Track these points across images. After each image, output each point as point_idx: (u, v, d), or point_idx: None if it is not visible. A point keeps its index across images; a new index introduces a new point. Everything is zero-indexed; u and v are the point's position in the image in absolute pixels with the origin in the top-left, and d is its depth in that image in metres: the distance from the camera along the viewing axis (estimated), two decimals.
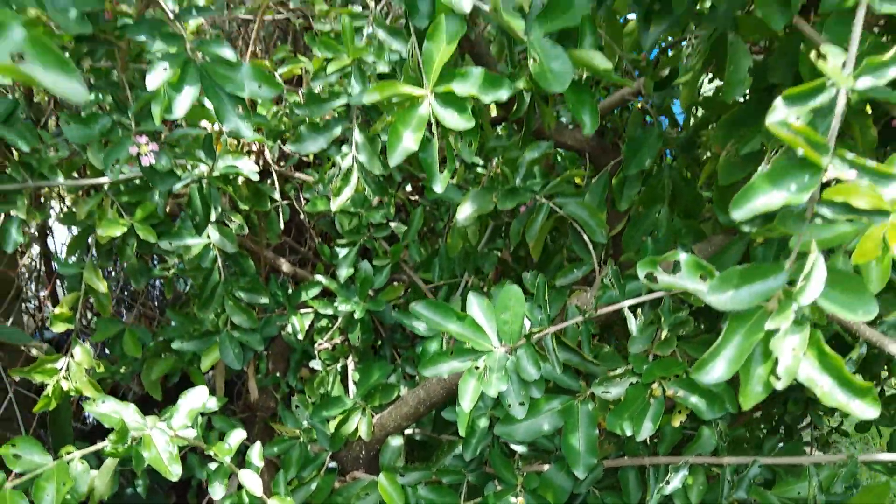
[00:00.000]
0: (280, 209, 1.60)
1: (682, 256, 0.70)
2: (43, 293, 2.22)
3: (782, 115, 0.53)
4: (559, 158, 1.68)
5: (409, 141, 0.81)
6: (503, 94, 0.80)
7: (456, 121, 0.80)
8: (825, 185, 0.54)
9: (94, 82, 1.16)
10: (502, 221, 1.57)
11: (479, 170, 1.58)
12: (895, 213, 0.55)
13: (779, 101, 0.54)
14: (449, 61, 0.80)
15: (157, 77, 0.95)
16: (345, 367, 1.61)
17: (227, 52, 0.99)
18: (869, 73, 0.55)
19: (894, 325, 0.96)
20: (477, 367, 0.96)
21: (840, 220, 0.54)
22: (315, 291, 1.59)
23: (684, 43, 1.36)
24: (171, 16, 1.02)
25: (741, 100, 1.05)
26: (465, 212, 1.31)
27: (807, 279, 0.57)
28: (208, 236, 1.36)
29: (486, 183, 1.52)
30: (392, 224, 1.59)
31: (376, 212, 1.53)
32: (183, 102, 0.96)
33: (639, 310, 1.08)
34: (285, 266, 1.75)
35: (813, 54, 0.54)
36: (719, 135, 1.00)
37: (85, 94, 0.49)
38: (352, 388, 1.57)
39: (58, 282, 2.19)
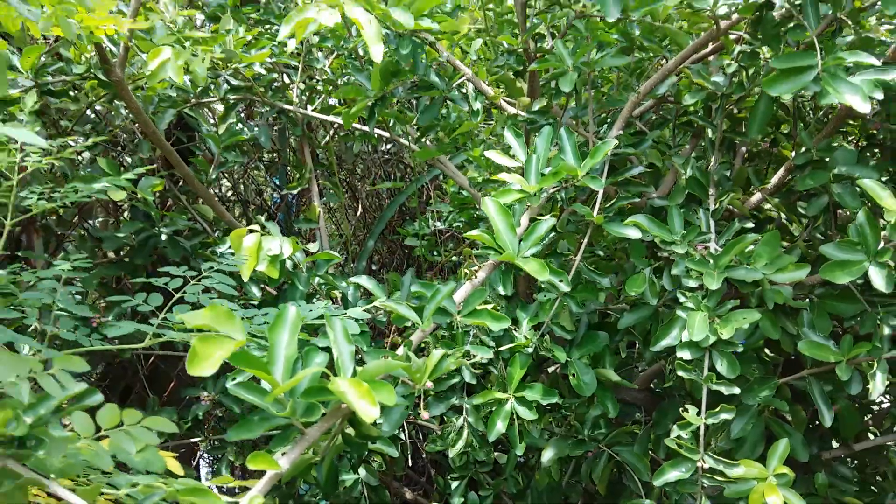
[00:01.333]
0: (406, 448, 2.14)
1: None
2: None
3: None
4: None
5: (500, 426, 1.36)
6: (554, 399, 1.34)
7: (527, 414, 1.34)
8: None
9: None
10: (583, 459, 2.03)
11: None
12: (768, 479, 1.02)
13: None
14: (523, 379, 1.35)
15: None
16: None
17: None
18: None
19: None
20: None
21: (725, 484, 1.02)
22: None
23: None
24: None
25: None
26: (548, 455, 1.79)
27: None
28: (358, 472, 1.90)
29: (563, 431, 2.01)
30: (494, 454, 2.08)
31: (481, 451, 2.04)
32: None
33: None
34: (408, 494, 2.25)
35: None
36: None
37: None
38: None
39: None
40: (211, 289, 0.95)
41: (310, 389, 0.71)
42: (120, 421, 0.67)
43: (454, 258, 2.63)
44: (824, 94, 1.03)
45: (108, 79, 1.36)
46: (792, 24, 1.12)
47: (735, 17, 1.16)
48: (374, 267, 3.34)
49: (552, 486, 2.09)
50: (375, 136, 1.96)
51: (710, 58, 1.38)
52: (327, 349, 0.79)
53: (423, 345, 1.33)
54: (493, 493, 2.09)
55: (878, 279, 1.08)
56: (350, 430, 0.76)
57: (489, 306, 1.07)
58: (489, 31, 1.59)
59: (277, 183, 3.24)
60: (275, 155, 2.94)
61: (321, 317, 0.90)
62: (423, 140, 1.83)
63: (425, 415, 1.08)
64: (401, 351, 0.91)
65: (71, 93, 1.56)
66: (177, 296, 0.91)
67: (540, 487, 2.06)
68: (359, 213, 3.13)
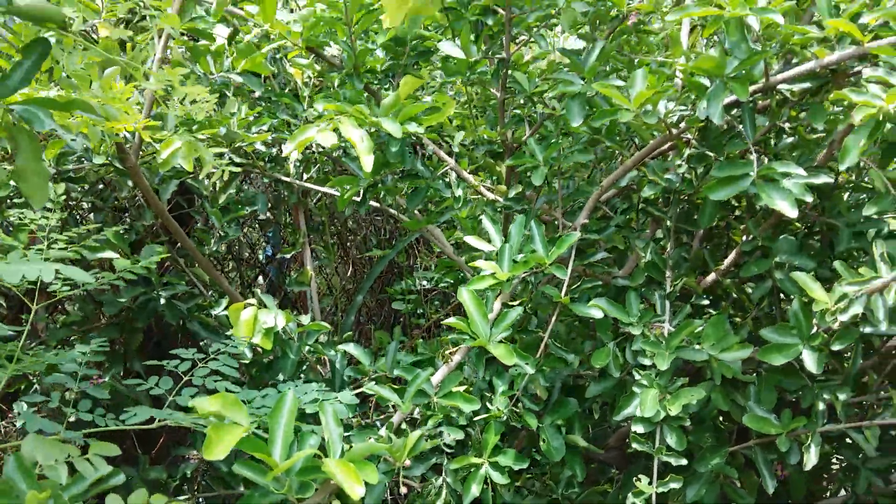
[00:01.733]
0: None
1: None
2: None
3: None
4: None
5: (475, 489, 1.46)
6: (525, 464, 1.45)
7: (500, 479, 1.45)
8: None
9: None
10: None
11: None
12: None
13: None
14: (496, 445, 1.47)
15: None
16: None
17: None
18: None
19: None
20: None
21: None
22: None
23: None
24: None
25: None
26: None
27: None
28: None
29: (539, 490, 2.11)
30: None
31: None
32: None
33: None
34: None
35: None
36: None
37: None
38: None
39: None
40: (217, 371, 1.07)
41: (304, 469, 0.83)
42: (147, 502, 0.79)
43: (439, 315, 2.75)
44: (759, 199, 1.18)
45: (123, 166, 1.50)
46: (731, 136, 1.28)
47: (684, 124, 1.32)
48: (361, 319, 3.46)
49: None
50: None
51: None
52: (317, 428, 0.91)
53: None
54: None
55: (810, 362, 1.21)
56: (337, 503, 0.87)
57: (462, 388, 1.19)
58: (472, 121, 1.74)
59: (270, 237, 3.36)
60: (269, 214, 3.07)
61: (314, 400, 1.01)
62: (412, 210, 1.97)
63: (404, 490, 1.19)
64: (383, 431, 1.03)
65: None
66: (185, 378, 1.03)
67: None
68: (349, 272, 3.26)
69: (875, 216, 1.26)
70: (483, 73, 1.60)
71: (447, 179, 1.61)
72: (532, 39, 1.54)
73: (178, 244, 2.09)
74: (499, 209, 1.59)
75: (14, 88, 0.93)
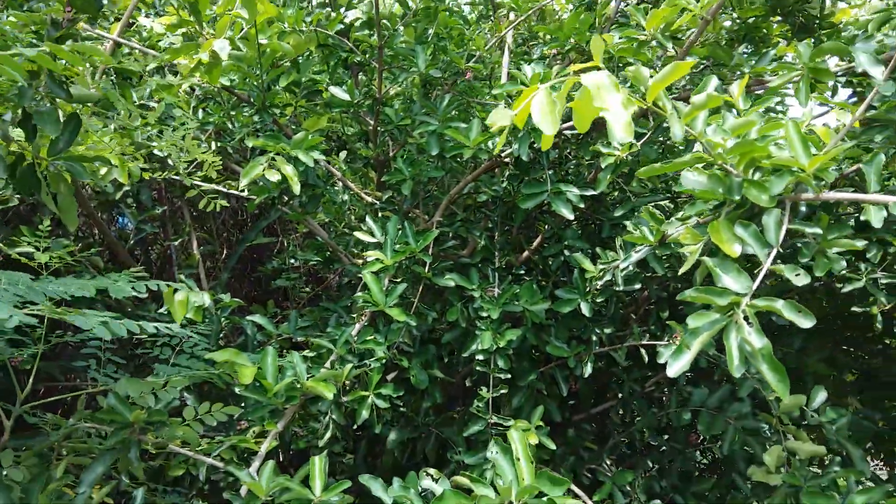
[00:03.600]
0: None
1: None
2: None
3: None
4: None
5: (365, 414, 2.03)
6: (400, 393, 2.05)
7: (382, 404, 2.03)
8: None
9: None
10: (417, 441, 2.75)
11: None
12: None
13: None
14: (379, 380, 2.04)
15: None
16: None
17: None
18: None
19: None
20: None
21: None
22: None
23: None
24: None
25: None
26: (392, 437, 2.49)
27: None
28: None
29: (403, 423, 2.72)
30: None
31: (340, 443, 2.69)
32: None
33: None
34: None
35: None
36: None
37: None
38: None
39: None
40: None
41: (287, 387, 1.36)
42: (207, 411, 1.27)
43: (317, 290, 3.27)
44: (553, 206, 1.85)
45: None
46: (535, 163, 1.94)
47: (504, 155, 1.96)
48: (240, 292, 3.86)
49: (395, 465, 2.78)
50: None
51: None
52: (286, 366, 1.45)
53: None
54: (348, 477, 2.74)
55: (585, 309, 1.91)
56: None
57: (371, 337, 1.76)
58: (352, 142, 2.28)
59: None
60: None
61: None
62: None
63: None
64: (328, 365, 1.57)
65: None
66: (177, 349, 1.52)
67: (386, 466, 2.73)
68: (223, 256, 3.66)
69: (625, 213, 1.97)
70: (360, 106, 2.15)
71: (336, 188, 2.15)
72: (399, 86, 2.11)
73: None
74: (376, 209, 2.16)
75: (61, 150, 1.34)
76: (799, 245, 1.42)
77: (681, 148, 1.80)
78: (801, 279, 1.15)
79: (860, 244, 1.82)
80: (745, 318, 1.08)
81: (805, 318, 1.09)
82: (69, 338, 1.71)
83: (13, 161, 1.30)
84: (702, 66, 1.95)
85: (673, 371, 1.12)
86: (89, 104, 1.42)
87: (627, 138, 1.07)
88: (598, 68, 1.15)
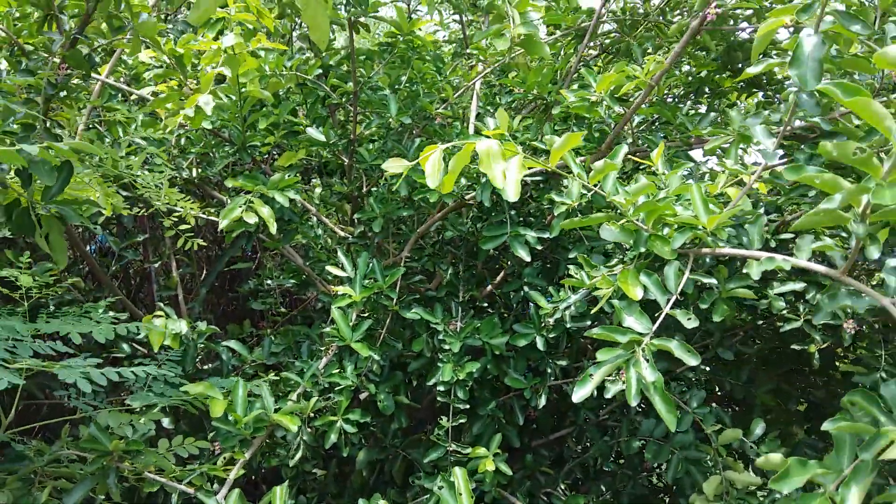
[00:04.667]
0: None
1: None
2: None
3: None
4: None
5: (333, 437, 2.15)
6: (368, 419, 2.16)
7: (350, 429, 2.14)
8: None
9: None
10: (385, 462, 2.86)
11: None
12: None
13: None
14: (346, 406, 2.16)
15: None
16: None
17: None
18: None
19: None
20: None
21: None
22: None
23: None
24: None
25: None
26: (361, 457, 2.60)
27: None
28: None
29: (372, 444, 2.83)
30: None
31: (311, 463, 2.80)
32: None
33: None
34: None
35: None
36: None
37: None
38: None
39: None
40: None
41: (255, 419, 1.47)
42: (180, 444, 1.39)
43: (292, 313, 3.38)
44: (512, 247, 1.98)
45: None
46: (497, 207, 2.08)
47: (469, 198, 2.09)
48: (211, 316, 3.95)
49: (363, 484, 2.89)
50: None
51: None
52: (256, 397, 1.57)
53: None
54: (318, 495, 2.85)
55: (540, 343, 2.04)
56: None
57: (336, 371, 1.88)
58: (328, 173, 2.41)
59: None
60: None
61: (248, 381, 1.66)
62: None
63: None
64: (294, 397, 1.70)
65: None
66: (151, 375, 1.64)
67: (355, 486, 2.84)
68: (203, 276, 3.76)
69: (577, 255, 2.12)
70: (335, 146, 2.28)
71: (311, 223, 2.27)
72: (373, 127, 2.25)
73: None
74: (349, 244, 2.29)
75: (54, 195, 1.45)
76: (701, 293, 1.58)
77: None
78: (691, 322, 1.30)
79: (799, 286, 1.97)
80: (644, 356, 1.23)
81: (692, 357, 1.24)
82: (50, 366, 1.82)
83: (9, 204, 1.41)
84: (650, 123, 2.11)
85: (577, 397, 1.30)
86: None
87: (514, 198, 1.27)
88: (502, 135, 1.32)
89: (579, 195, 1.47)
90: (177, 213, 1.98)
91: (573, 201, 1.80)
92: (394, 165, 1.44)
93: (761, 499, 2.05)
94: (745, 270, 1.40)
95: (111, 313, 2.30)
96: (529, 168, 1.35)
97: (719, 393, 3.07)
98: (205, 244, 2.13)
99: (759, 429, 2.16)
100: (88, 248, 3.60)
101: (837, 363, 2.75)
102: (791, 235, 1.98)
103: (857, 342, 2.50)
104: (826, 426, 1.06)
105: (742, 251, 1.38)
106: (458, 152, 1.34)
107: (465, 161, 1.36)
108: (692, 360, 1.24)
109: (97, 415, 1.34)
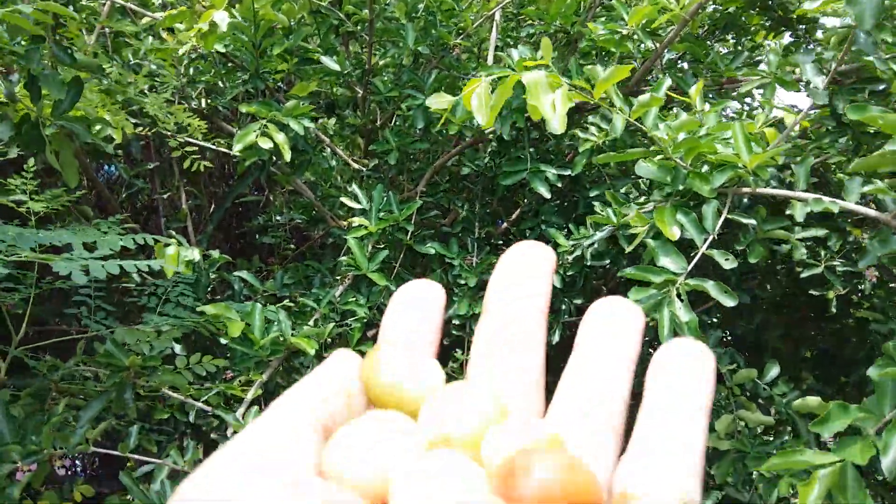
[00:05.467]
0: None
1: None
2: None
3: None
4: None
5: None
6: None
7: None
8: None
9: None
10: None
11: None
12: None
13: None
14: (358, 338, 2.15)
15: None
16: None
17: None
18: None
19: None
20: None
21: None
22: None
23: None
24: None
25: None
26: None
27: None
28: None
29: None
30: None
31: None
32: None
33: None
34: None
35: None
36: None
37: None
38: None
39: None
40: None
41: (272, 342, 1.46)
42: (198, 361, 1.38)
43: (301, 249, 3.35)
44: (531, 184, 1.94)
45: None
46: (516, 141, 2.03)
47: (489, 132, 2.04)
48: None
49: None
50: None
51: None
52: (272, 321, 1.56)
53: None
54: None
55: (556, 281, 2.02)
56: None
57: (353, 298, 1.86)
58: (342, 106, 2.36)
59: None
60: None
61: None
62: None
63: None
64: (311, 323, 1.68)
65: None
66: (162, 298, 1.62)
67: None
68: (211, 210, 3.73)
69: (599, 194, 2.08)
70: (349, 76, 2.22)
71: (325, 154, 2.23)
72: (389, 58, 2.18)
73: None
74: (362, 177, 2.25)
75: (64, 111, 1.41)
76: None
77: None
78: (729, 263, 1.26)
79: (821, 233, 1.93)
80: (678, 295, 1.20)
81: (729, 298, 1.21)
82: (60, 284, 1.80)
83: (19, 120, 1.37)
84: (675, 60, 2.04)
85: None
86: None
87: (559, 131, 1.21)
88: (547, 66, 1.26)
89: (623, 128, 1.41)
90: (182, 136, 1.94)
91: (615, 134, 1.73)
92: (438, 101, 1.38)
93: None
94: (788, 212, 1.36)
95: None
96: (573, 101, 1.29)
97: (729, 338, 3.06)
98: (210, 165, 2.08)
99: (773, 371, 2.15)
100: (105, 188, 3.56)
101: (852, 311, 2.72)
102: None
103: (875, 290, 2.48)
104: (871, 372, 1.03)
105: (786, 192, 1.33)
106: (501, 84, 1.29)
107: (509, 93, 1.30)
108: (729, 301, 1.21)
109: (115, 332, 1.32)
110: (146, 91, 2.29)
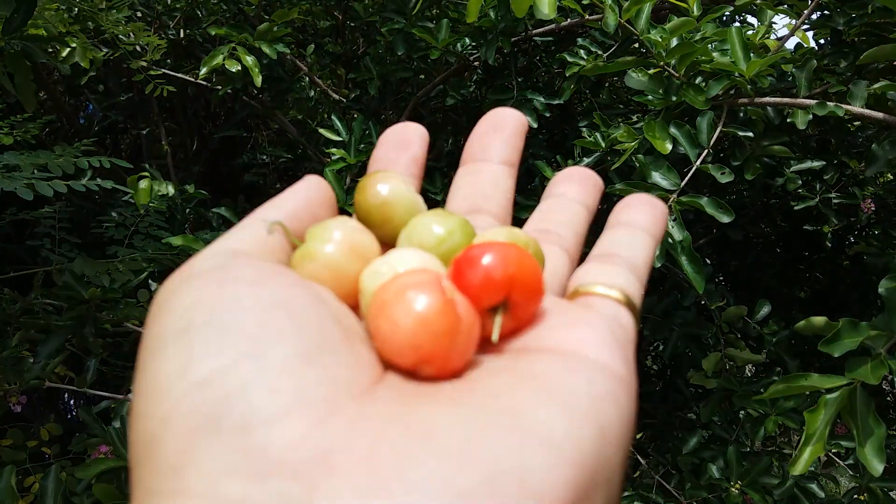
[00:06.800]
0: None
1: None
2: None
3: None
4: None
5: None
6: None
7: None
8: None
9: None
10: None
11: None
12: None
13: None
14: None
15: None
16: None
17: None
18: None
19: None
20: None
21: None
22: None
23: None
24: None
25: None
26: None
27: None
28: None
29: None
30: None
31: None
32: None
33: None
34: None
35: None
36: None
37: None
38: None
39: None
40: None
41: None
42: None
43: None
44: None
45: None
46: (503, 69, 1.93)
47: (473, 59, 1.94)
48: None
49: None
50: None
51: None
52: None
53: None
54: None
55: None
56: None
57: None
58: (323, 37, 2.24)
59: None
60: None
61: None
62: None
63: None
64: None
65: None
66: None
67: None
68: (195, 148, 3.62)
69: (589, 124, 1.99)
70: (329, 1, 2.10)
71: (303, 83, 2.12)
72: None
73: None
74: (343, 108, 2.15)
75: (16, 28, 1.31)
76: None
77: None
78: (725, 177, 1.19)
79: (817, 164, 1.86)
80: (671, 213, 1.13)
81: (725, 214, 1.14)
82: (24, 215, 1.72)
83: None
84: None
85: None
86: None
87: (549, 14, 1.14)
88: None
89: (615, 26, 1.30)
90: (144, 59, 1.83)
91: (608, 29, 1.63)
92: None
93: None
94: (789, 120, 1.28)
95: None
96: None
97: (721, 278, 3.01)
98: (174, 90, 1.98)
99: (764, 309, 2.10)
100: (79, 120, 3.45)
101: (847, 249, 2.67)
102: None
103: (871, 225, 2.41)
104: (881, 288, 0.97)
105: (786, 99, 1.25)
106: None
107: None
108: (725, 217, 1.14)
109: (73, 264, 1.26)
110: (103, 7, 2.18)
